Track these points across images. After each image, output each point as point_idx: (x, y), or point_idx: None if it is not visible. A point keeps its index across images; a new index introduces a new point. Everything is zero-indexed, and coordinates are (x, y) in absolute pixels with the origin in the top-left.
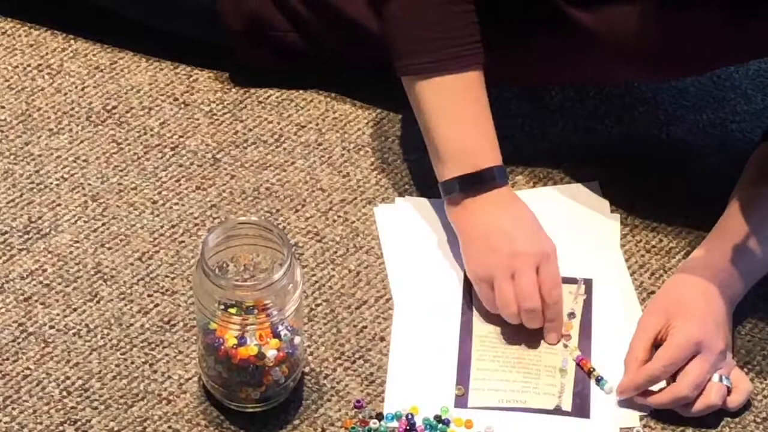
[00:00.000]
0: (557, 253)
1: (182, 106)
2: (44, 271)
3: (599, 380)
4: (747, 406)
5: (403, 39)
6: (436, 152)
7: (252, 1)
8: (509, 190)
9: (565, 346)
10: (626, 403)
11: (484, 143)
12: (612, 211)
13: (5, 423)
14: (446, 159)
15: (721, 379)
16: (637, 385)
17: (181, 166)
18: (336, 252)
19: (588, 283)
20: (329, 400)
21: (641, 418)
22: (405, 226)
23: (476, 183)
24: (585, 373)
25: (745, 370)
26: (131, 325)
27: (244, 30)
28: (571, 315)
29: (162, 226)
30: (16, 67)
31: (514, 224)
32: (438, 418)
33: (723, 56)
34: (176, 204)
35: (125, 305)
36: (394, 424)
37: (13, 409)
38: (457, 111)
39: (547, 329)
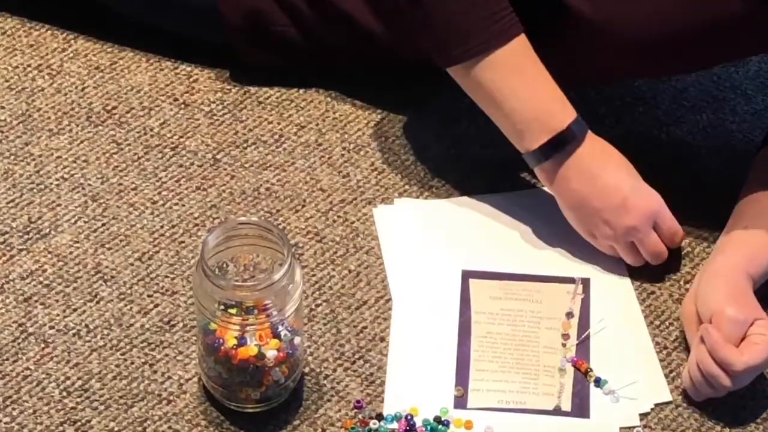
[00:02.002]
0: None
1: (182, 106)
2: (44, 271)
3: (598, 381)
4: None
5: (448, 27)
6: (512, 127)
7: (248, 2)
8: (592, 139)
9: (564, 345)
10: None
11: (554, 103)
12: None
13: (5, 423)
14: (524, 131)
15: None
16: (719, 357)
17: (181, 166)
18: (336, 252)
19: (586, 282)
20: (329, 401)
21: (641, 418)
22: (404, 226)
23: (560, 146)
24: (581, 374)
25: None
26: (131, 325)
27: (243, 26)
28: (569, 315)
29: (162, 227)
30: (16, 67)
31: (616, 193)
32: (438, 419)
33: (723, 52)
34: (176, 204)
35: (125, 305)
36: (394, 425)
37: (13, 409)
38: (519, 81)
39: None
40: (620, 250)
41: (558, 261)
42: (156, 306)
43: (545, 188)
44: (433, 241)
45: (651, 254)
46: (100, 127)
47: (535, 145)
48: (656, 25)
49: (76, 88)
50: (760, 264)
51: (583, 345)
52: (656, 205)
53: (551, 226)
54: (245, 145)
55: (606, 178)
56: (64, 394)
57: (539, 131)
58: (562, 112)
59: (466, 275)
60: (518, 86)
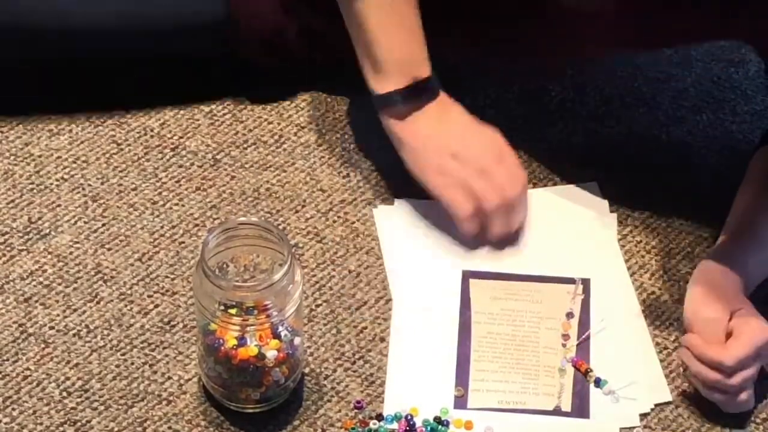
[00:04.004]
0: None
1: (182, 106)
2: (44, 271)
3: (598, 381)
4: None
5: None
6: (374, 64)
7: (268, 16)
8: (445, 97)
9: (564, 345)
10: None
11: (421, 54)
12: (611, 212)
13: (5, 424)
14: (386, 71)
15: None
16: (707, 360)
17: (181, 166)
18: (336, 253)
19: (586, 283)
20: (329, 401)
21: (641, 418)
22: (404, 227)
23: (419, 93)
24: (581, 374)
25: None
26: (131, 325)
27: (260, 50)
28: (570, 315)
29: (162, 227)
30: None
31: (463, 130)
32: (438, 420)
33: (679, 31)
34: (176, 205)
35: (125, 306)
36: (394, 426)
37: (13, 409)
38: (396, 22)
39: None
40: (459, 194)
41: (558, 261)
42: (156, 306)
43: (544, 189)
44: (433, 241)
45: (489, 197)
46: (100, 128)
47: (392, 87)
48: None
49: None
50: (745, 262)
51: (584, 345)
52: (500, 140)
53: (551, 226)
54: (245, 145)
55: (455, 118)
56: (64, 394)
57: (400, 74)
58: (425, 64)
59: (467, 275)
60: (391, 28)
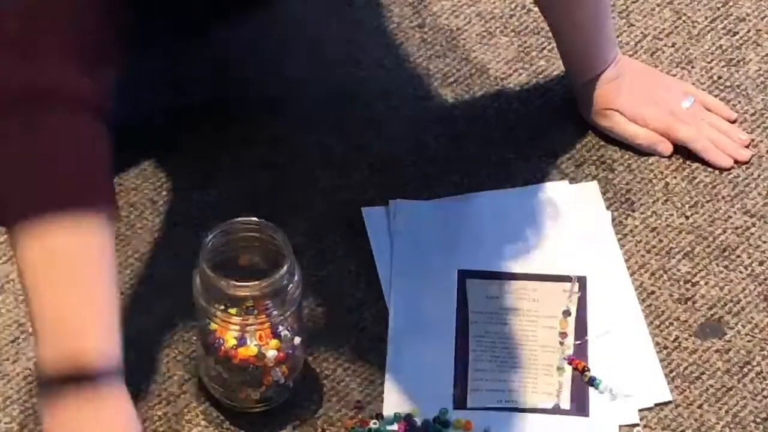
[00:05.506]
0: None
1: None
2: None
3: (593, 380)
4: None
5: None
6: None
7: None
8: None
9: (561, 344)
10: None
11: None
12: (611, 211)
13: (5, 423)
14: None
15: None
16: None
17: (180, 166)
18: (336, 252)
19: (582, 280)
20: (329, 401)
21: (641, 417)
22: (398, 227)
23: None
24: (578, 373)
25: (745, 370)
26: (131, 325)
27: None
28: (567, 313)
29: (162, 227)
30: None
31: None
32: (437, 420)
33: None
34: (176, 204)
35: (125, 305)
36: (394, 427)
37: (13, 409)
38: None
39: None
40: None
41: (555, 260)
42: (156, 306)
43: (542, 186)
44: (428, 242)
45: None
46: None
47: None
48: None
49: None
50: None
51: (582, 344)
52: None
53: (548, 224)
54: (245, 144)
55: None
56: None
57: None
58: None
59: (463, 275)
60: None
